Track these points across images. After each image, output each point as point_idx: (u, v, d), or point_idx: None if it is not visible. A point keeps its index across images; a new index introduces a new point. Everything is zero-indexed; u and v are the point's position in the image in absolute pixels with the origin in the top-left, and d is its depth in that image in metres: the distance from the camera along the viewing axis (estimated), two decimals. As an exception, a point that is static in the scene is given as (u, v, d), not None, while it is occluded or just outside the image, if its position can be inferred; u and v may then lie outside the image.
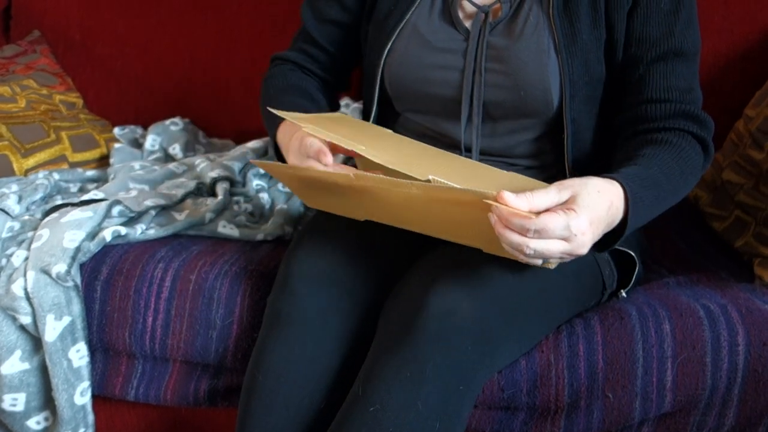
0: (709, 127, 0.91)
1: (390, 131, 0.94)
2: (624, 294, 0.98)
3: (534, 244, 0.69)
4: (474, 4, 0.95)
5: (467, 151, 0.96)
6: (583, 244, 0.71)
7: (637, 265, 0.97)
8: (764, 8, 1.39)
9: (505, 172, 0.84)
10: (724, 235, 1.20)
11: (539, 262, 0.73)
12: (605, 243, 0.79)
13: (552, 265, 0.78)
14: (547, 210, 0.70)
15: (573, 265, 0.88)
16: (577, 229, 0.70)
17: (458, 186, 0.72)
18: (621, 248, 0.94)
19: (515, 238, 0.69)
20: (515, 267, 0.82)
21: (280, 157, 0.98)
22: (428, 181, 0.74)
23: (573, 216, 0.70)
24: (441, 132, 0.98)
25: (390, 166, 0.78)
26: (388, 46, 0.97)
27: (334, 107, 1.11)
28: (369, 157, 0.78)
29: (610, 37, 0.92)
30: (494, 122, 0.95)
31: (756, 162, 1.18)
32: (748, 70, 1.38)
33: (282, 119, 0.94)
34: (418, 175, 0.75)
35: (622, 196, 0.77)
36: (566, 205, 0.71)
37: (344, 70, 1.12)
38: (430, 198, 0.75)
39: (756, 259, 1.07)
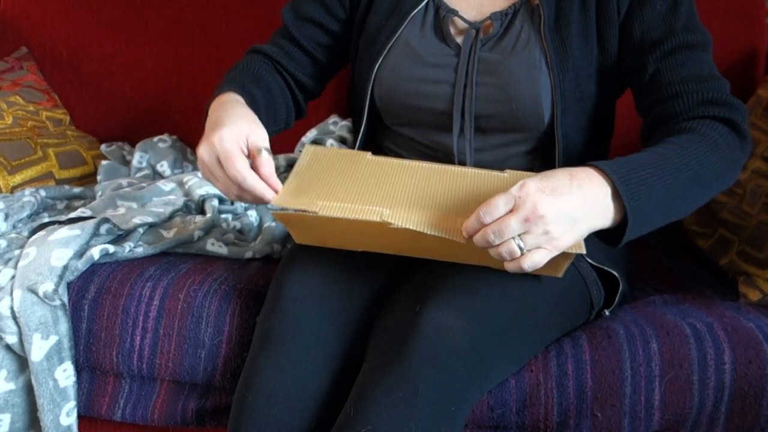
0: (739, 110, 0.87)
1: (378, 159, 0.92)
2: (607, 313, 0.99)
3: (491, 228, 0.72)
4: (465, 21, 0.96)
5: (461, 165, 0.97)
6: (534, 206, 0.71)
7: (621, 284, 0.97)
8: (744, 28, 1.42)
9: (485, 172, 0.89)
10: (708, 253, 1.21)
11: (527, 263, 0.73)
12: (617, 235, 0.79)
13: (560, 273, 0.82)
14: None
15: (562, 283, 0.89)
16: (520, 193, 0.72)
17: (441, 234, 0.77)
18: (605, 268, 0.95)
19: (479, 236, 0.73)
20: (506, 286, 0.83)
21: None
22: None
23: (513, 189, 0.73)
24: (432, 145, 0.99)
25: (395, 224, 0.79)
26: (380, 60, 0.97)
27: (300, 112, 1.08)
28: (384, 221, 0.79)
29: (602, 53, 0.93)
30: (485, 136, 0.96)
31: (739, 181, 1.20)
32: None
33: (223, 90, 0.93)
34: (414, 224, 0.78)
35: (592, 171, 0.76)
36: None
37: (322, 76, 1.09)
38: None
39: (740, 277, 1.09)
